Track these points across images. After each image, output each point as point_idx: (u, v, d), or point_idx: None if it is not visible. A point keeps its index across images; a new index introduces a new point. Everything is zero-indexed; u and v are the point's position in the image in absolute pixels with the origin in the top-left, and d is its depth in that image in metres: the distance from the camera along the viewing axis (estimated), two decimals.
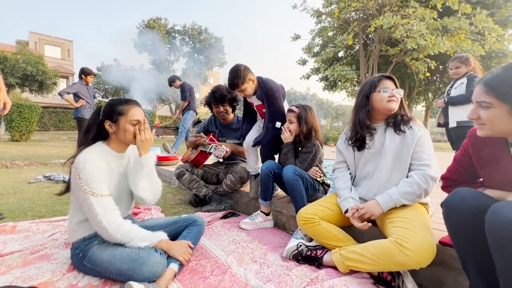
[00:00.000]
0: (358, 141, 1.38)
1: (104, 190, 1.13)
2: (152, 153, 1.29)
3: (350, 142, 1.42)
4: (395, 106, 1.30)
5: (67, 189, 1.24)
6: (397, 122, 1.31)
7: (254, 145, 1.97)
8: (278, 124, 1.84)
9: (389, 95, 1.29)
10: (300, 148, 1.83)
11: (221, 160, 2.14)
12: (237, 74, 1.74)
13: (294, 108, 1.83)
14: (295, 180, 1.60)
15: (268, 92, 1.80)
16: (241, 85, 1.76)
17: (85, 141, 1.23)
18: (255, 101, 1.93)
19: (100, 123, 1.23)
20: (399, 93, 1.31)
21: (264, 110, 1.91)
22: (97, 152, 1.18)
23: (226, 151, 2.10)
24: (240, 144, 2.37)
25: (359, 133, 1.35)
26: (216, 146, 2.15)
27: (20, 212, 2.01)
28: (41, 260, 1.29)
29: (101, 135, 1.25)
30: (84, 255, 1.15)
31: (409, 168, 1.28)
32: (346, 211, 1.30)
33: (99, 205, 1.09)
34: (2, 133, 10.13)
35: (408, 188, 1.20)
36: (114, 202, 1.22)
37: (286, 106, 1.95)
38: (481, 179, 1.08)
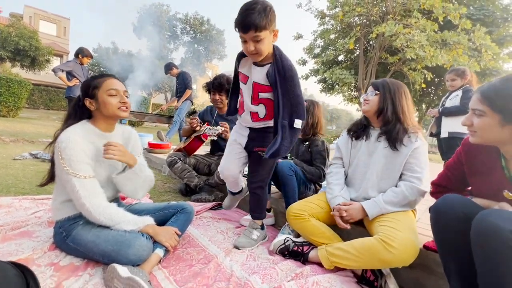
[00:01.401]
0: (359, 127, 1.42)
1: (88, 171, 1.09)
2: (140, 158, 1.30)
3: (351, 126, 1.46)
4: (365, 108, 1.36)
5: (51, 179, 1.20)
6: (391, 136, 1.26)
7: (259, 164, 1.42)
8: (298, 123, 1.23)
9: (364, 99, 1.36)
10: (308, 146, 1.83)
11: (215, 138, 2.13)
12: (264, 11, 1.10)
13: None
14: (290, 175, 1.61)
15: (287, 72, 1.21)
16: (262, 28, 1.10)
17: (67, 120, 1.19)
18: (257, 77, 1.27)
19: (82, 103, 1.19)
20: (368, 96, 1.36)
21: (264, 96, 1.30)
22: (81, 131, 1.14)
23: (225, 127, 2.08)
24: None
25: (363, 123, 1.42)
26: (210, 127, 2.14)
27: (2, 188, 1.94)
28: (22, 236, 1.25)
29: (85, 116, 1.22)
30: (67, 234, 1.13)
31: (400, 177, 1.29)
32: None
33: (82, 187, 1.06)
34: None
35: (394, 198, 1.23)
36: (104, 185, 1.20)
37: None
38: (470, 188, 1.11)
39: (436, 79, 11.63)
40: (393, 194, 1.23)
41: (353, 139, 1.43)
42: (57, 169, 1.10)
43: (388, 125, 1.29)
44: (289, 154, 1.94)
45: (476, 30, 8.01)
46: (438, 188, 1.21)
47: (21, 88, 8.28)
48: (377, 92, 1.32)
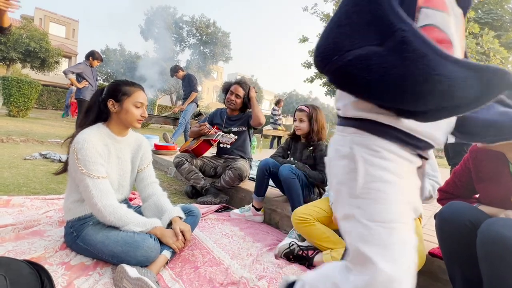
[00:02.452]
0: None
1: (101, 172, 1.13)
2: (149, 167, 1.41)
3: None
4: None
5: (64, 169, 1.24)
6: None
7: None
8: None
9: None
10: (313, 151, 1.84)
11: (228, 146, 2.17)
12: None
13: (304, 108, 1.86)
14: (292, 178, 1.63)
15: None
16: None
17: (85, 122, 1.22)
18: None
19: (102, 102, 1.22)
20: None
21: None
22: (97, 133, 1.18)
23: (234, 139, 2.13)
24: (243, 132, 2.39)
25: None
26: (223, 134, 2.18)
27: (14, 187, 2.00)
28: (34, 235, 1.29)
29: (102, 116, 1.25)
30: (78, 234, 1.16)
31: None
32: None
33: (95, 187, 1.10)
34: None
35: None
36: (116, 188, 1.24)
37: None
38: (477, 195, 1.11)
39: None
40: None
41: None
42: (71, 169, 1.14)
43: None
44: (292, 158, 1.96)
45: (484, 34, 7.90)
46: (444, 194, 1.21)
47: (31, 89, 8.46)
48: None
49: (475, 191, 1.11)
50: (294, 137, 1.97)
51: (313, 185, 1.83)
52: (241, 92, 2.33)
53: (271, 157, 1.97)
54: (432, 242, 1.33)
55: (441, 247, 1.02)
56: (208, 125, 2.38)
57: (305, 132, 1.86)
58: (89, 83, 4.30)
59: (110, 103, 1.21)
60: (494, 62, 8.14)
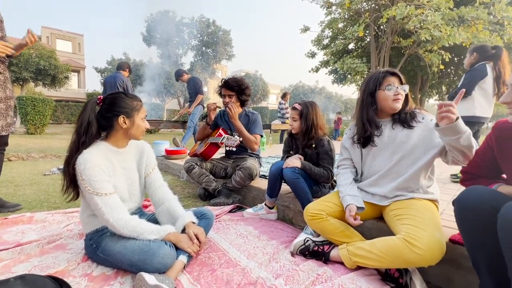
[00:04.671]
0: (365, 139, 1.35)
1: (108, 188, 1.14)
2: (155, 171, 1.41)
3: (355, 139, 1.39)
4: (399, 105, 1.27)
5: (76, 196, 1.20)
6: (402, 118, 1.28)
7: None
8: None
9: (394, 93, 1.25)
10: (315, 147, 1.80)
11: (234, 149, 2.15)
12: None
13: (297, 106, 1.82)
14: (295, 178, 1.62)
15: None
16: None
17: (87, 140, 1.16)
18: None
19: (106, 118, 1.20)
20: (404, 89, 1.27)
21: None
22: (98, 150, 1.18)
23: (239, 141, 2.13)
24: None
25: (368, 131, 1.32)
26: (229, 137, 2.18)
27: (36, 203, 2.09)
28: (57, 249, 1.34)
29: (100, 133, 1.23)
30: (97, 246, 1.20)
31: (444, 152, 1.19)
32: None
33: (104, 204, 1.12)
34: (18, 126, 10.45)
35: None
36: (126, 198, 1.26)
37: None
38: (505, 175, 1.05)
39: (455, 59, 11.00)
40: None
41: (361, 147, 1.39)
42: (81, 187, 1.16)
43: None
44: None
45: (496, 2, 7.48)
46: (468, 175, 1.14)
47: (45, 106, 8.79)
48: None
49: (500, 171, 1.05)
50: (292, 134, 1.95)
51: (318, 183, 1.80)
52: (231, 91, 2.28)
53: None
54: (452, 228, 1.29)
55: (462, 234, 0.98)
56: (216, 104, 2.42)
57: (297, 131, 1.83)
58: None
59: (121, 119, 1.20)
60: (510, 31, 7.70)
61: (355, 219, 1.23)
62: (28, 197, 2.22)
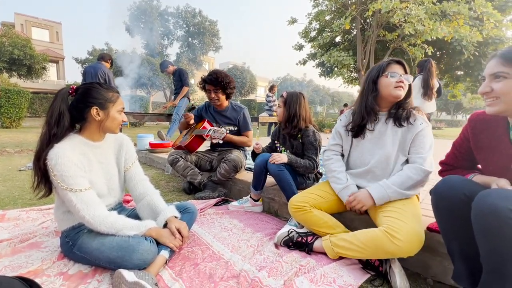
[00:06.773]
0: (359, 127, 1.34)
1: (83, 184, 1.08)
2: (135, 165, 1.36)
3: (349, 127, 1.38)
4: (401, 93, 1.25)
5: (49, 192, 1.13)
6: (398, 115, 1.27)
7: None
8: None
9: (397, 81, 1.23)
10: (301, 137, 1.80)
11: (221, 142, 2.08)
12: None
13: (284, 94, 1.86)
14: (280, 170, 1.62)
15: None
16: None
17: (56, 133, 1.08)
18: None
19: (77, 109, 1.13)
20: (408, 79, 1.26)
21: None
22: (70, 145, 1.09)
23: (226, 133, 2.07)
24: (235, 132, 2.35)
25: (365, 119, 1.31)
26: (215, 129, 2.12)
27: (9, 200, 1.98)
28: (31, 248, 1.28)
29: (73, 125, 1.16)
30: (74, 243, 1.15)
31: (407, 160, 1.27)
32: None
33: (79, 200, 1.06)
34: None
35: (398, 178, 1.21)
36: (104, 193, 1.21)
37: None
38: (480, 166, 1.09)
39: (437, 53, 11.30)
40: (397, 177, 1.23)
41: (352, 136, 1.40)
42: (53, 183, 1.10)
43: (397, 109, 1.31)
44: (283, 148, 1.93)
45: None
46: (445, 166, 1.19)
47: (21, 98, 8.33)
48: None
49: (476, 162, 1.08)
50: (280, 125, 1.95)
51: (303, 175, 1.82)
52: (215, 87, 2.23)
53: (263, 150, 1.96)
54: (430, 217, 1.33)
55: (437, 222, 1.01)
56: (191, 115, 2.33)
57: (281, 118, 1.85)
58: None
59: (94, 111, 1.13)
60: (488, 26, 7.96)
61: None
62: (1, 194, 2.10)
